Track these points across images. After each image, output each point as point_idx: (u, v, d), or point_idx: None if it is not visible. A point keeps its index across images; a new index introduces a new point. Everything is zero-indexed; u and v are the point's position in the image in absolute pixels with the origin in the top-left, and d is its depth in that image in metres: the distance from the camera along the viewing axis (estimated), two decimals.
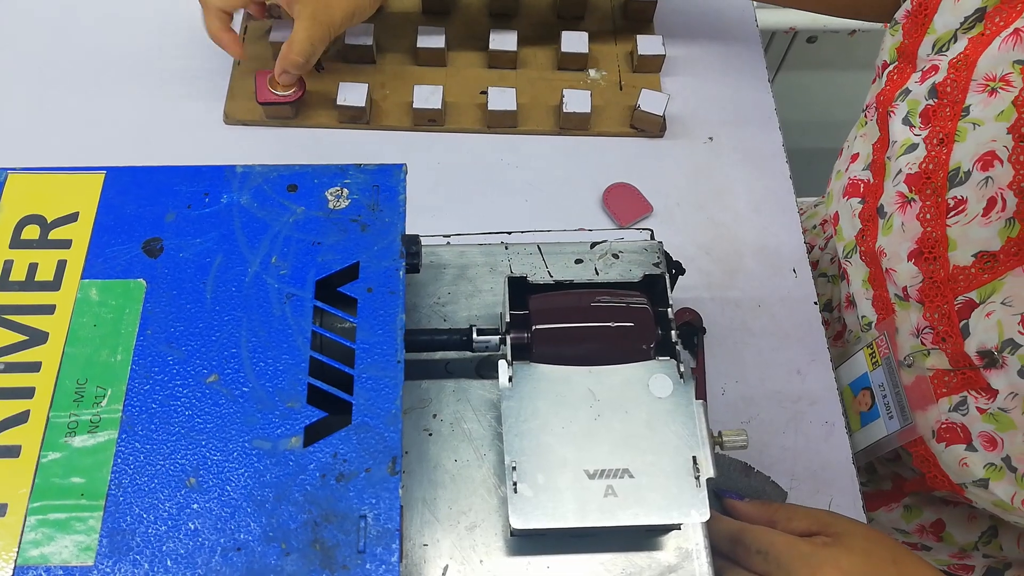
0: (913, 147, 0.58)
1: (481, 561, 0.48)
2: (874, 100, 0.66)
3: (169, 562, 0.38)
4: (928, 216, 0.55)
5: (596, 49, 0.84)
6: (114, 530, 0.39)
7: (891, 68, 0.65)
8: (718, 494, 0.61)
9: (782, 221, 0.78)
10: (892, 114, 0.61)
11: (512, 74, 0.82)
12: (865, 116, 0.68)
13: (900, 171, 0.58)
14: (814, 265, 0.82)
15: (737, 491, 0.64)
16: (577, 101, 0.78)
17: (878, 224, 0.61)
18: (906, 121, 0.59)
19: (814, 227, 0.88)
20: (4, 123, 0.78)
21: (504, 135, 0.80)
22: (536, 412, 0.47)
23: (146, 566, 0.38)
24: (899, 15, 0.64)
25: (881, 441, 0.63)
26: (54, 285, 0.45)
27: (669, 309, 0.51)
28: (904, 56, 0.63)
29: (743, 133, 0.82)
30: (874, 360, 0.63)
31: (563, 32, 0.82)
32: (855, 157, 0.67)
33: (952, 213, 0.54)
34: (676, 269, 0.57)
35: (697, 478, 0.45)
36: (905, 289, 0.58)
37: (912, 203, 0.57)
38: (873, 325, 0.63)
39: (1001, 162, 0.51)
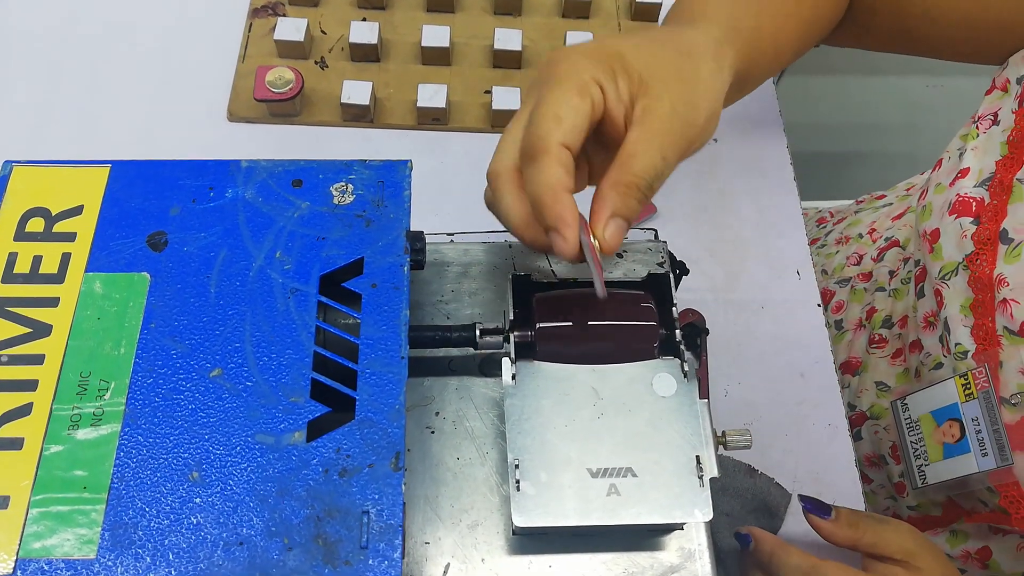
0: None
1: (483, 560, 0.48)
2: (992, 112, 0.62)
3: (171, 556, 0.38)
4: None
5: None
6: (116, 523, 0.39)
7: None
8: (804, 507, 0.57)
9: (786, 224, 0.78)
10: None
11: (517, 73, 0.82)
12: (977, 128, 0.63)
13: None
14: (867, 276, 0.78)
15: (741, 492, 0.64)
16: None
17: (999, 250, 0.56)
18: None
19: (860, 236, 0.83)
20: (10, 117, 0.78)
21: None
22: (539, 410, 0.47)
23: (148, 560, 0.38)
24: None
25: (969, 477, 0.58)
26: (58, 278, 0.44)
27: (673, 308, 0.51)
28: None
29: (748, 136, 0.82)
30: (968, 392, 0.58)
31: (568, 32, 0.82)
32: (965, 172, 0.61)
33: None
34: (680, 269, 0.57)
35: (700, 477, 0.45)
36: None
37: None
38: (970, 355, 0.58)
39: None
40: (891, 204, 0.85)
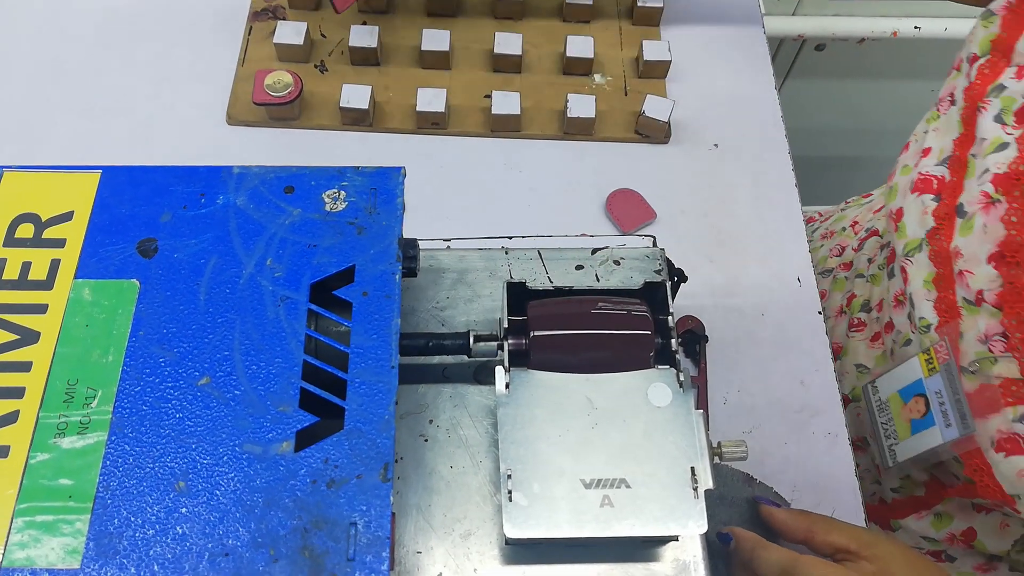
0: (1004, 146, 0.55)
1: (475, 570, 0.48)
2: (949, 93, 0.64)
3: (156, 566, 0.38)
4: (1014, 219, 0.53)
5: (601, 54, 0.84)
6: (101, 533, 0.38)
7: (982, 61, 0.62)
8: (755, 500, 0.60)
9: (787, 229, 0.77)
10: (982, 110, 0.58)
11: (516, 78, 0.82)
12: (938, 110, 0.65)
13: (987, 170, 0.56)
14: (848, 266, 0.81)
15: (739, 502, 0.63)
16: (581, 106, 0.78)
17: (955, 223, 0.58)
18: (998, 119, 0.57)
19: (843, 229, 0.87)
20: (6, 120, 0.77)
21: (507, 139, 0.80)
22: (533, 420, 0.46)
23: (133, 570, 0.38)
24: (996, 6, 0.61)
25: (936, 450, 0.60)
26: (47, 284, 0.44)
27: (670, 317, 0.50)
28: (999, 49, 0.61)
29: (749, 140, 0.82)
30: (931, 366, 0.60)
31: (568, 36, 0.81)
32: (927, 152, 0.64)
33: None
34: (678, 276, 0.57)
35: (695, 489, 0.45)
36: (980, 293, 0.55)
37: (997, 204, 0.55)
38: (933, 328, 0.60)
39: None
40: (873, 199, 0.86)
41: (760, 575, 0.53)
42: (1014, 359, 0.54)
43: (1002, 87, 0.58)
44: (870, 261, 0.77)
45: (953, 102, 0.64)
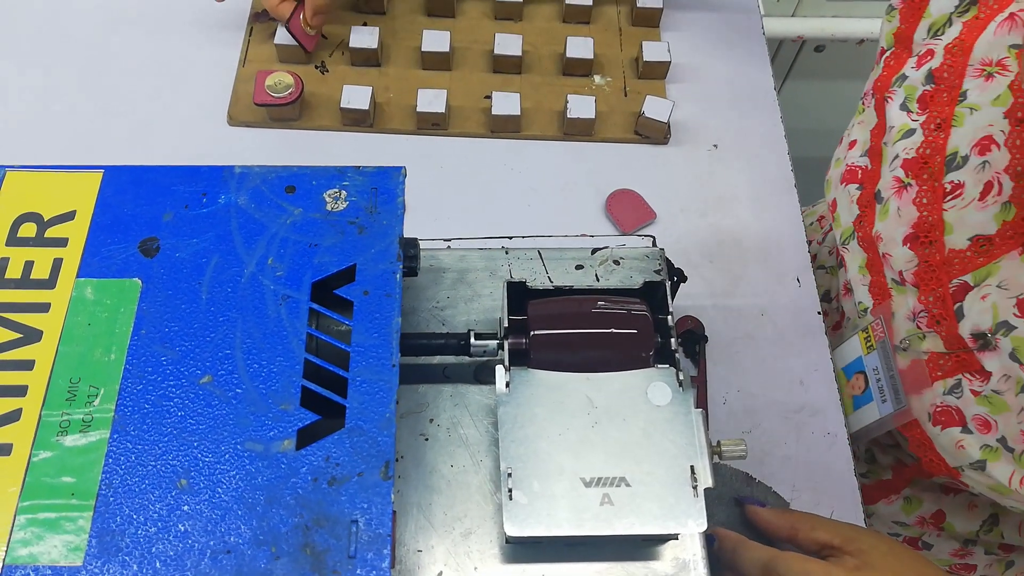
0: (910, 132, 0.58)
1: (476, 568, 0.48)
2: (871, 87, 0.67)
3: (158, 564, 0.38)
4: (925, 200, 0.56)
5: (601, 54, 0.84)
6: (104, 530, 0.38)
7: (888, 54, 0.65)
8: (739, 500, 0.60)
9: (786, 230, 0.77)
10: (889, 100, 0.61)
11: (516, 79, 0.82)
12: (863, 103, 0.68)
13: (897, 156, 0.58)
14: (812, 258, 0.83)
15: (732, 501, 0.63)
16: (581, 107, 0.78)
17: (875, 209, 0.61)
18: (903, 107, 0.59)
19: (811, 223, 0.90)
20: (6, 121, 0.78)
21: (508, 140, 0.80)
22: (533, 418, 0.46)
23: (135, 567, 0.38)
24: (896, 0, 0.64)
25: (873, 424, 0.63)
26: (49, 283, 0.44)
27: (669, 316, 0.50)
28: (900, 41, 0.64)
29: (748, 141, 0.82)
30: (869, 344, 0.63)
31: (568, 37, 0.82)
32: (853, 144, 0.67)
33: (949, 197, 0.54)
34: (678, 276, 0.57)
35: (695, 488, 0.45)
36: (901, 273, 0.58)
37: (908, 188, 0.57)
38: (869, 310, 0.63)
39: (998, 146, 0.52)
40: None
41: (743, 573, 0.53)
42: (937, 334, 0.56)
43: (904, 76, 0.60)
44: (830, 253, 0.80)
45: (873, 95, 0.66)
